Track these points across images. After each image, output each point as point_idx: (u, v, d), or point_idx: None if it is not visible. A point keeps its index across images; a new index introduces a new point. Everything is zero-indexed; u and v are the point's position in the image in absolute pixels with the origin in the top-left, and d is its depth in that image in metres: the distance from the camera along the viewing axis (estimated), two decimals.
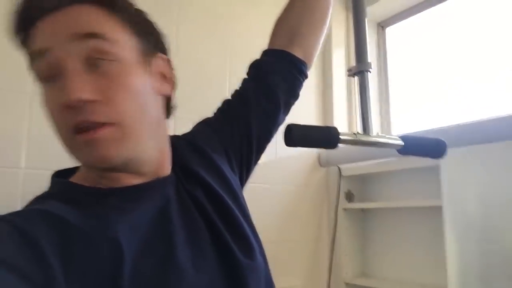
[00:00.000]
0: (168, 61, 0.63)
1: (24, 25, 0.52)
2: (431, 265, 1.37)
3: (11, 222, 0.45)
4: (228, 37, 1.49)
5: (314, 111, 1.66)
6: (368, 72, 0.79)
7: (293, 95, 0.79)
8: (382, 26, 1.75)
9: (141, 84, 0.55)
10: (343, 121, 1.68)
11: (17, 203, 1.01)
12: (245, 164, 0.75)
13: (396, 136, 0.77)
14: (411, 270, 1.44)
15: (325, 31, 0.83)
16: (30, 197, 1.00)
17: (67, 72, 0.49)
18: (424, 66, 1.61)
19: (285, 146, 0.70)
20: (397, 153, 0.79)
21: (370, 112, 0.77)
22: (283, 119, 0.79)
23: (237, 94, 0.78)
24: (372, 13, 1.68)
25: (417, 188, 1.45)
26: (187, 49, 1.40)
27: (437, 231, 1.27)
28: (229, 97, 0.79)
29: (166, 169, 0.62)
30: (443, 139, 0.79)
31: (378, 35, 1.75)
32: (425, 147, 0.79)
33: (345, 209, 1.58)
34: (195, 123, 0.76)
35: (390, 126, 1.70)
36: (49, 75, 0.51)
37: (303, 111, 1.60)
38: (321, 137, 0.69)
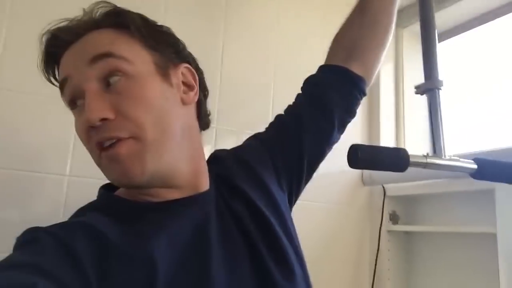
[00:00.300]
0: (192, 70, 0.62)
1: (53, 62, 0.58)
2: None
3: (55, 235, 0.48)
4: (273, 51, 1.46)
5: (360, 127, 1.61)
6: (439, 90, 0.75)
7: (350, 113, 0.76)
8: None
9: (158, 97, 0.55)
10: (391, 139, 1.61)
11: (60, 209, 1.02)
12: (296, 182, 0.73)
13: (469, 160, 0.72)
14: None
15: (387, 45, 0.79)
16: (72, 203, 1.00)
17: (86, 94, 0.52)
18: (483, 83, 1.54)
19: (349, 167, 0.66)
20: (450, 174, 0.74)
21: (442, 133, 0.72)
22: (338, 138, 0.76)
23: (290, 109, 0.76)
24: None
25: (468, 212, 1.36)
26: (232, 62, 1.38)
27: (489, 259, 1.18)
28: (282, 112, 0.77)
29: (205, 182, 0.61)
30: None
31: None
32: (502, 172, 0.73)
33: (388, 231, 1.50)
34: (236, 136, 0.75)
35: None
36: (73, 100, 0.55)
37: (348, 126, 1.56)
38: (389, 159, 0.65)
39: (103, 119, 0.51)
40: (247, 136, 0.78)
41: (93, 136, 0.52)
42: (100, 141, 0.52)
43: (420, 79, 0.77)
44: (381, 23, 0.79)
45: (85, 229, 0.50)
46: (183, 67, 0.61)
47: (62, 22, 0.57)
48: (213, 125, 1.38)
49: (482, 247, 1.29)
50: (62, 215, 1.00)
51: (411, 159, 0.65)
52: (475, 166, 0.71)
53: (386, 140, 1.59)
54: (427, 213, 1.51)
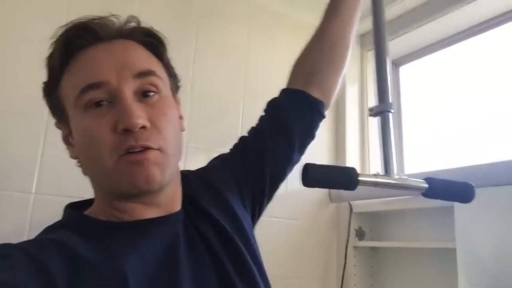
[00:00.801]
0: (179, 102, 0.68)
1: (72, 49, 0.57)
2: None
3: (26, 251, 0.48)
4: (243, 69, 1.50)
5: (326, 148, 1.65)
6: (390, 113, 0.79)
7: (309, 135, 0.79)
8: (396, 64, 1.76)
9: (176, 118, 0.61)
10: (356, 159, 1.66)
11: (25, 228, 1.00)
12: (258, 201, 0.75)
13: (420, 179, 0.76)
14: None
15: (343, 71, 0.83)
16: (38, 221, 0.98)
17: (125, 100, 0.54)
18: (438, 105, 1.61)
19: (303, 185, 0.69)
20: (413, 193, 0.78)
21: (392, 153, 0.77)
22: (298, 159, 0.79)
23: (253, 131, 0.79)
24: None
25: (430, 228, 1.42)
26: (202, 80, 1.41)
27: (449, 274, 1.23)
28: (246, 134, 0.80)
29: (178, 203, 0.63)
30: (470, 182, 0.78)
31: (392, 73, 1.76)
32: (452, 191, 0.78)
33: (355, 247, 1.54)
34: (206, 153, 0.78)
35: (403, 166, 1.68)
36: (100, 101, 0.55)
37: (315, 148, 1.59)
38: (339, 178, 0.69)
39: (142, 126, 0.53)
40: (217, 154, 0.80)
41: (122, 139, 0.53)
42: (133, 146, 0.53)
43: None
44: (339, 49, 0.83)
45: (56, 245, 0.51)
46: (178, 97, 0.67)
47: (84, 19, 0.58)
48: (183, 142, 1.41)
49: (443, 261, 1.34)
50: (27, 234, 0.99)
51: (361, 178, 0.69)
52: (426, 185, 0.75)
53: (352, 159, 1.64)
54: (392, 229, 1.56)
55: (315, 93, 0.79)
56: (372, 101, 1.71)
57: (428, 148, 1.61)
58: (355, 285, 1.52)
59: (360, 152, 1.68)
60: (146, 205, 0.58)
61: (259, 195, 0.75)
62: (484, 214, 1.22)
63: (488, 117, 1.43)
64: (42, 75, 0.62)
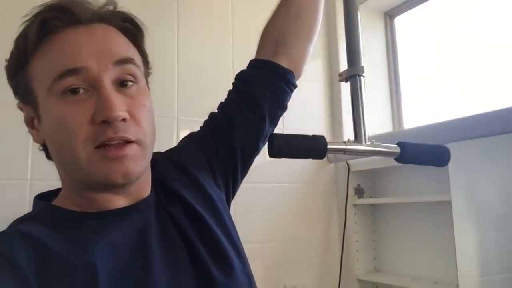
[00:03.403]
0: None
1: (47, 30, 0.55)
2: (442, 260, 1.35)
3: None
4: (230, 37, 1.47)
5: (323, 113, 1.64)
6: (362, 77, 0.77)
7: (280, 107, 0.76)
8: (389, 15, 1.69)
9: (152, 108, 0.60)
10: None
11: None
12: (231, 178, 0.74)
13: (392, 144, 0.75)
14: (423, 265, 1.42)
15: (314, 38, 0.80)
16: None
17: (105, 89, 0.52)
18: (436, 56, 1.56)
19: (269, 156, 0.69)
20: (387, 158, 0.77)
21: (364, 119, 0.76)
22: (271, 131, 0.77)
23: (221, 107, 0.77)
24: (378, 2, 1.63)
25: (427, 182, 1.41)
26: (189, 53, 1.39)
27: (447, 225, 1.24)
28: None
29: (147, 189, 0.63)
30: (446, 145, 0.76)
31: (386, 25, 1.69)
32: (426, 155, 0.77)
33: (354, 205, 1.56)
34: (199, 125, 0.77)
35: (402, 120, 1.66)
36: (76, 88, 0.53)
37: (312, 122, 1.60)
38: (307, 147, 0.68)
39: (122, 118, 0.52)
40: None
41: (100, 130, 0.52)
42: (111, 138, 0.52)
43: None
44: (306, 13, 0.79)
45: (23, 237, 0.50)
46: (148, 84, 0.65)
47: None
48: (174, 116, 1.41)
49: (441, 214, 1.35)
50: None
51: (329, 146, 0.68)
52: (398, 151, 0.74)
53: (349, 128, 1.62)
54: (390, 185, 1.56)
55: (284, 62, 0.76)
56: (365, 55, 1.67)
57: (429, 102, 1.58)
58: (356, 241, 1.55)
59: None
60: (116, 195, 0.58)
61: (232, 171, 0.74)
62: (477, 166, 1.21)
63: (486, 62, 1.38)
64: None
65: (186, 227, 0.61)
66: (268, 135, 0.76)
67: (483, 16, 1.40)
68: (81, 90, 0.53)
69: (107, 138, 0.52)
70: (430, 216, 1.40)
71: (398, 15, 1.68)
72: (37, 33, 0.54)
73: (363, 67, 0.77)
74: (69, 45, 0.54)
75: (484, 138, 1.18)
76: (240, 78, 0.78)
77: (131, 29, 0.60)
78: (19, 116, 0.59)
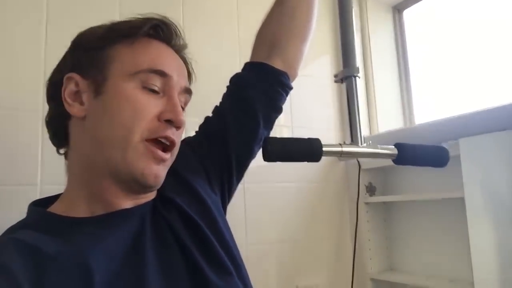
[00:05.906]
0: None
1: (150, 32, 0.64)
2: (457, 258, 1.32)
3: None
4: (236, 38, 1.46)
5: (332, 114, 1.62)
6: (357, 78, 0.76)
7: (274, 109, 0.76)
8: (398, 9, 1.66)
9: None
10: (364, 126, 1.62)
11: None
12: (226, 181, 0.74)
13: (389, 146, 0.74)
14: (437, 264, 1.39)
15: (308, 37, 0.79)
16: None
17: (176, 97, 0.62)
18: (446, 50, 1.52)
19: (264, 161, 0.68)
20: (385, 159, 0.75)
21: (359, 120, 0.74)
22: (266, 134, 0.76)
23: (216, 110, 0.77)
24: None
25: (440, 178, 1.38)
26: (193, 54, 1.39)
27: (461, 222, 1.21)
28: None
29: (151, 195, 0.65)
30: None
31: (395, 19, 1.66)
32: (424, 157, 0.75)
33: (366, 203, 1.54)
34: None
35: (413, 115, 1.62)
36: (154, 89, 0.61)
37: (321, 118, 1.59)
38: (302, 150, 0.67)
39: (178, 127, 0.61)
40: None
41: (162, 126, 0.59)
42: (169, 137, 0.60)
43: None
44: (300, 13, 0.78)
45: (18, 244, 0.51)
46: None
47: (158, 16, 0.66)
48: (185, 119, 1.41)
49: (454, 211, 1.32)
50: None
51: (325, 149, 0.67)
52: (395, 152, 0.73)
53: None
54: (401, 182, 1.53)
55: (278, 64, 0.76)
56: (374, 51, 1.64)
57: (440, 96, 1.54)
58: (369, 240, 1.53)
59: (368, 113, 1.63)
60: (131, 194, 0.61)
61: (227, 175, 0.74)
62: (491, 161, 1.18)
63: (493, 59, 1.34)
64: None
65: (181, 232, 0.62)
66: (263, 138, 0.76)
67: (495, 6, 1.35)
68: (157, 92, 0.61)
69: (165, 135, 0.59)
70: (444, 212, 1.38)
71: (406, 8, 1.65)
72: (146, 29, 0.63)
73: (358, 68, 0.76)
74: (164, 54, 0.64)
75: (498, 132, 1.15)
76: (234, 81, 0.78)
77: (190, 71, 0.72)
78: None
